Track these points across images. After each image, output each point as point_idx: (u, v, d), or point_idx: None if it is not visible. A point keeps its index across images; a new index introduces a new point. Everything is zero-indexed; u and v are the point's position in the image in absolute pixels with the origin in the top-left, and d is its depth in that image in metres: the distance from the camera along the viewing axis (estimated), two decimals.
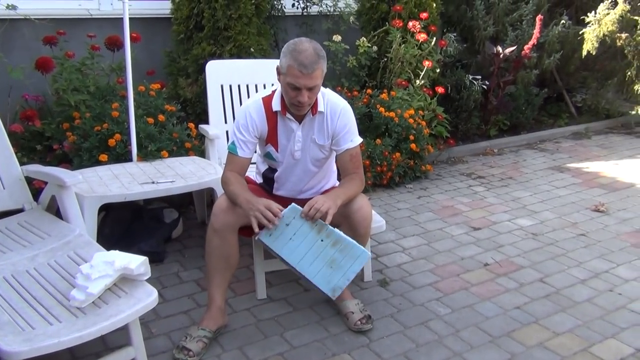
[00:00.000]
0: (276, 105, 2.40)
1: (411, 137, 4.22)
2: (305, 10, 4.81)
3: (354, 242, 2.26)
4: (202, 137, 3.50)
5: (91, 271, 1.99)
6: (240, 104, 3.50)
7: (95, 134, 3.23)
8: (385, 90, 4.49)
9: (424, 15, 4.54)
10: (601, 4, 5.42)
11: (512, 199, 4.08)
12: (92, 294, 1.95)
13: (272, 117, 2.42)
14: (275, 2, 4.58)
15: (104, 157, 3.15)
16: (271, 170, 2.58)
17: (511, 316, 2.63)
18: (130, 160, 3.20)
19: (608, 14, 5.34)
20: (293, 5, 4.77)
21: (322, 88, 2.43)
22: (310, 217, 2.22)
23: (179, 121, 3.59)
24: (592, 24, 5.41)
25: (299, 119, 2.41)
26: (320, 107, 2.40)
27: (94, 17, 4.07)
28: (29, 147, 3.40)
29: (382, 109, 4.21)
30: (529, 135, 5.62)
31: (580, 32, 5.50)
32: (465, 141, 5.27)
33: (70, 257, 2.24)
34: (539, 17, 5.10)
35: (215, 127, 3.40)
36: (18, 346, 1.72)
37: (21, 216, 2.60)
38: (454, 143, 5.04)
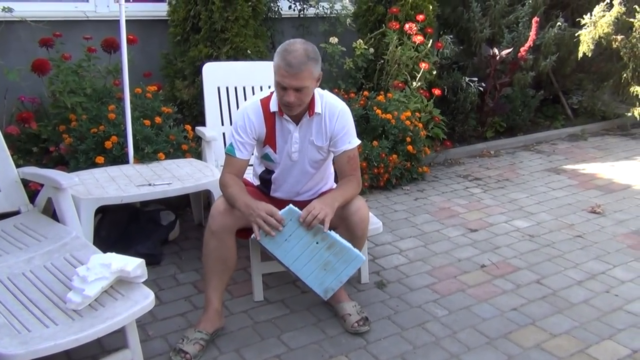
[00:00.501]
0: (274, 106, 2.40)
1: (408, 139, 4.22)
2: (302, 12, 4.81)
3: (349, 245, 2.27)
4: (198, 139, 3.50)
5: (88, 273, 1.98)
6: (237, 106, 3.50)
7: (92, 136, 3.23)
8: (382, 92, 4.50)
9: (420, 17, 4.55)
10: (597, 6, 5.44)
11: (509, 200, 4.08)
12: (89, 297, 1.94)
13: (270, 118, 2.42)
14: (272, 4, 4.58)
15: (100, 159, 3.15)
16: (268, 172, 2.58)
17: (508, 318, 2.63)
18: (127, 162, 3.19)
19: (604, 16, 5.36)
20: (290, 7, 4.78)
21: (320, 90, 2.44)
22: (307, 224, 2.22)
23: (176, 123, 3.59)
24: (588, 26, 5.43)
25: (296, 120, 2.41)
26: (318, 109, 2.40)
27: (90, 19, 4.07)
28: (25, 149, 3.39)
29: (378, 111, 4.22)
30: (526, 137, 5.63)
31: (576, 34, 5.52)
32: (462, 143, 5.28)
33: (66, 260, 2.23)
34: (535, 19, 5.12)
35: (212, 129, 3.40)
36: (14, 349, 1.71)
37: (17, 218, 2.59)
38: (451, 145, 5.05)
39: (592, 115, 6.26)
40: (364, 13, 4.82)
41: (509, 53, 5.07)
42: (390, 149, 4.18)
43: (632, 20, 5.44)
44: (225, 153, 2.45)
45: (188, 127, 3.58)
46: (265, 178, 2.60)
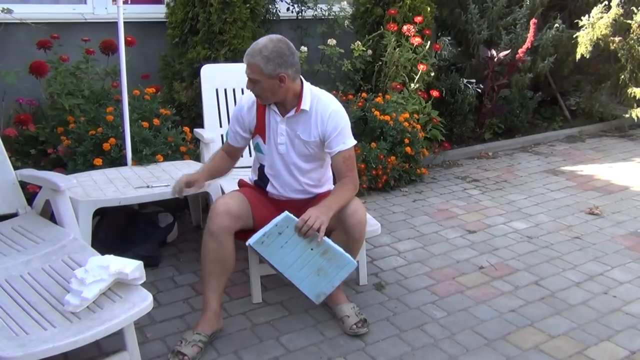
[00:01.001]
0: None
1: (406, 141, 4.22)
2: (300, 14, 4.82)
3: (342, 251, 2.28)
4: (197, 141, 3.50)
5: (86, 276, 1.98)
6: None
7: (90, 138, 3.23)
8: (380, 94, 4.50)
9: (418, 19, 4.55)
10: (595, 7, 5.45)
11: (507, 202, 4.09)
12: (87, 299, 1.94)
13: (261, 108, 2.50)
14: (270, 6, 4.58)
15: (98, 161, 3.15)
16: (262, 169, 2.60)
17: (506, 319, 2.63)
18: (125, 164, 3.19)
19: (601, 17, 5.37)
20: (288, 9, 4.78)
21: (314, 88, 2.49)
22: (302, 234, 2.22)
23: (174, 125, 3.59)
24: (586, 28, 5.44)
25: (282, 113, 2.46)
26: (305, 106, 2.43)
27: (88, 21, 4.07)
28: (23, 151, 3.39)
29: (377, 113, 4.22)
30: (524, 139, 5.64)
31: (574, 36, 5.53)
32: (460, 144, 5.29)
33: (64, 262, 2.23)
34: (533, 20, 5.13)
35: (210, 131, 3.39)
36: (12, 351, 1.70)
37: (15, 221, 2.58)
38: (449, 146, 5.06)
39: (590, 116, 6.27)
40: (362, 15, 4.83)
41: (506, 55, 5.08)
42: (389, 151, 4.18)
43: (629, 22, 5.45)
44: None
45: (186, 129, 3.58)
46: (261, 174, 2.61)
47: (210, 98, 3.50)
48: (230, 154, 2.68)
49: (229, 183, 3.04)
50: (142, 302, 2.00)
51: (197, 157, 3.44)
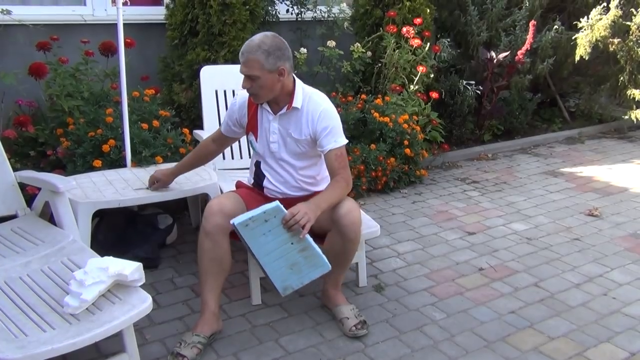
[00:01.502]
0: None
1: (405, 142, 4.23)
2: (300, 16, 4.82)
3: (321, 252, 2.29)
4: (196, 143, 3.49)
5: (85, 277, 1.98)
6: None
7: (89, 139, 3.23)
8: (379, 96, 4.50)
9: (417, 20, 4.56)
10: (594, 9, 5.46)
11: (507, 203, 4.09)
12: (86, 301, 1.94)
13: (252, 106, 2.53)
14: (269, 8, 4.59)
15: (98, 162, 3.14)
16: (258, 165, 2.61)
17: (506, 321, 2.63)
18: (125, 166, 3.19)
19: (600, 19, 5.38)
20: (287, 11, 4.78)
21: (306, 87, 2.50)
22: (288, 227, 2.22)
23: (174, 127, 3.59)
24: (585, 30, 5.44)
25: (275, 111, 2.48)
26: (296, 104, 2.44)
27: (87, 22, 4.07)
28: (23, 153, 3.39)
29: (376, 114, 4.22)
30: (523, 140, 5.64)
31: (573, 38, 5.54)
32: (460, 146, 5.29)
33: (63, 264, 2.23)
34: (532, 22, 5.13)
35: (209, 133, 3.37)
36: (11, 353, 1.70)
37: (14, 222, 2.58)
38: (448, 148, 5.06)
39: (589, 118, 6.28)
40: (362, 16, 4.84)
41: (506, 56, 5.08)
42: (388, 152, 4.18)
43: (628, 23, 5.46)
44: None
45: (186, 130, 3.58)
46: (258, 170, 2.62)
47: (210, 99, 3.50)
48: (219, 141, 2.76)
49: (227, 184, 3.04)
50: (142, 303, 1.99)
51: None
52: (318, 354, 2.37)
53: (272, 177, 2.57)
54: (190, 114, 3.99)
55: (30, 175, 2.65)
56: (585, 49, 5.41)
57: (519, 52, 5.14)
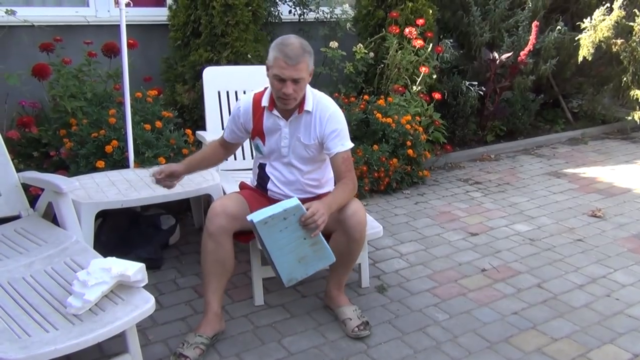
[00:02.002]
0: (265, 100, 2.48)
1: (408, 143, 4.22)
2: (302, 16, 4.82)
3: (328, 245, 2.32)
4: (199, 144, 3.50)
5: (88, 278, 1.98)
6: None
7: (92, 140, 3.23)
8: (382, 97, 4.50)
9: (420, 21, 4.56)
10: (597, 10, 5.45)
11: (509, 204, 4.08)
12: (89, 301, 1.94)
13: (258, 112, 2.50)
14: (272, 9, 4.59)
15: (101, 163, 3.15)
16: (263, 167, 2.61)
17: (509, 322, 2.62)
18: (128, 166, 3.19)
19: (603, 20, 5.37)
20: (290, 11, 4.79)
21: (314, 90, 2.48)
22: (305, 225, 2.22)
23: (176, 127, 3.59)
24: (588, 30, 5.44)
25: (286, 116, 2.45)
26: (308, 107, 2.43)
27: (90, 23, 4.08)
28: (26, 154, 3.40)
29: (379, 115, 4.22)
30: (526, 141, 5.63)
31: (576, 38, 5.53)
32: (462, 147, 5.29)
33: (66, 264, 2.23)
34: (535, 23, 5.13)
35: (212, 134, 3.40)
36: (14, 354, 1.70)
37: (17, 223, 2.59)
38: (451, 149, 5.05)
39: (593, 119, 6.27)
40: (364, 17, 4.84)
41: (509, 57, 5.08)
42: (391, 153, 4.18)
43: (632, 24, 5.45)
44: None
45: (188, 131, 3.58)
46: (262, 172, 2.61)
47: (212, 100, 3.50)
48: (225, 147, 2.70)
49: (230, 185, 3.05)
50: (144, 304, 2.00)
51: None
52: (320, 354, 2.37)
53: (277, 179, 2.57)
54: (193, 114, 3.99)
55: (33, 176, 2.65)
56: (589, 49, 5.40)
57: (521, 53, 5.13)
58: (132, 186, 2.89)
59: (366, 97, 4.49)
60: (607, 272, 3.09)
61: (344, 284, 2.68)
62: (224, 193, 2.95)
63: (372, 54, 4.64)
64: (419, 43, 4.49)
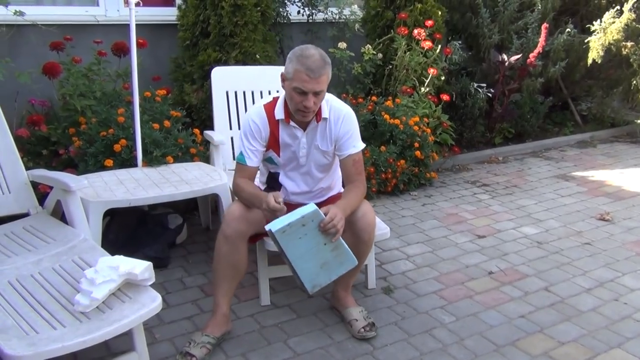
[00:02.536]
0: (279, 113, 2.40)
1: (416, 145, 4.22)
2: (311, 17, 4.82)
3: (349, 249, 2.29)
4: (207, 143, 3.51)
5: (95, 276, 1.99)
6: (246, 110, 3.51)
7: (101, 139, 3.25)
8: (390, 98, 4.50)
9: (429, 23, 4.55)
10: (607, 12, 5.42)
11: (517, 207, 4.07)
12: (97, 299, 1.95)
13: (273, 124, 2.43)
14: (280, 10, 4.60)
15: (109, 162, 3.16)
16: (274, 176, 2.58)
17: (516, 325, 2.61)
18: (136, 165, 3.21)
19: (613, 22, 5.34)
20: (298, 12, 4.79)
21: (327, 94, 2.45)
22: (325, 230, 2.19)
23: (184, 127, 3.60)
24: (598, 33, 5.41)
25: (304, 126, 2.42)
26: (325, 114, 2.41)
27: (100, 23, 4.10)
28: (35, 152, 3.42)
29: (386, 116, 4.22)
30: (534, 144, 5.61)
31: (586, 41, 5.50)
32: (470, 149, 5.27)
33: (74, 262, 2.24)
34: (545, 25, 5.11)
35: (220, 133, 3.41)
36: (22, 350, 1.72)
37: (26, 220, 2.61)
38: (459, 151, 5.04)
39: (602, 122, 6.24)
40: (373, 18, 4.83)
41: (517, 59, 5.06)
42: (398, 155, 4.17)
43: None
44: (236, 161, 2.46)
45: (196, 131, 3.59)
46: (273, 182, 2.59)
47: (221, 100, 3.51)
48: (252, 178, 2.48)
49: None
50: (151, 302, 2.00)
51: (207, 159, 3.45)
52: (327, 355, 2.37)
53: (290, 188, 2.55)
54: (201, 114, 4.00)
55: (42, 174, 2.67)
56: (598, 52, 5.37)
57: (530, 55, 5.11)
58: (140, 185, 2.91)
59: (374, 98, 4.49)
60: (615, 276, 3.07)
61: (351, 285, 2.68)
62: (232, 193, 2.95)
63: (380, 55, 4.64)
64: (427, 44, 4.48)
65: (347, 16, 4.88)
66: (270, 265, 2.66)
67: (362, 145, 2.48)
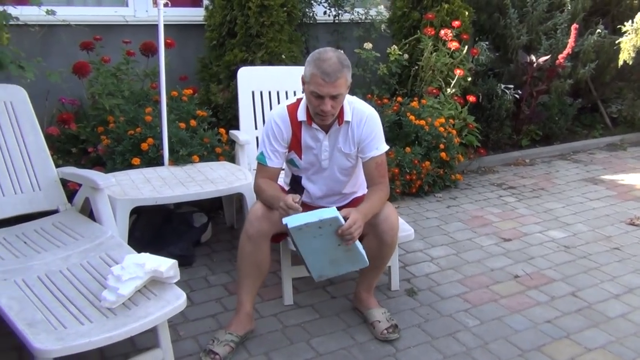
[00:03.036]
0: (302, 115, 2.41)
1: (441, 146, 4.18)
2: (337, 17, 4.82)
3: (363, 251, 2.28)
4: (232, 143, 3.53)
5: (122, 273, 2.02)
6: (271, 110, 3.52)
7: (129, 137, 3.29)
8: (415, 98, 4.47)
9: (456, 23, 4.51)
10: (639, 13, 5.31)
11: (544, 210, 4.01)
12: (123, 295, 1.98)
13: (296, 125, 2.43)
14: (307, 10, 4.60)
15: (136, 160, 3.20)
16: (297, 179, 2.58)
17: (541, 330, 2.57)
18: (162, 164, 3.24)
19: None
20: (325, 12, 4.79)
21: (349, 97, 2.43)
22: (342, 236, 2.18)
23: (210, 126, 3.63)
24: (629, 34, 5.30)
25: (326, 129, 2.42)
26: (347, 117, 2.40)
27: (129, 23, 4.15)
28: (65, 150, 3.48)
29: (412, 117, 4.19)
30: (562, 146, 5.52)
31: (617, 42, 5.39)
32: (497, 151, 5.21)
33: (102, 259, 2.28)
34: (574, 26, 5.02)
35: (245, 133, 3.42)
36: (50, 344, 1.75)
37: (56, 217, 2.66)
38: (485, 152, 4.99)
39: (632, 124, 6.10)
40: (399, 19, 4.81)
41: (546, 60, 4.99)
42: (423, 156, 4.15)
43: None
44: (257, 161, 2.47)
45: (222, 130, 3.62)
46: (296, 185, 2.60)
47: (247, 100, 3.53)
48: (274, 179, 2.47)
49: None
50: (176, 300, 2.03)
51: (232, 159, 3.48)
52: (349, 356, 2.37)
53: (313, 192, 2.55)
54: (227, 114, 4.03)
55: (71, 171, 2.72)
56: (629, 53, 5.26)
57: (560, 56, 5.04)
58: (166, 183, 2.94)
59: (399, 98, 4.47)
60: None
61: (374, 287, 2.67)
62: None
63: (406, 56, 4.61)
64: (454, 45, 4.44)
65: (373, 17, 4.86)
66: (293, 265, 2.67)
67: (386, 148, 2.46)
